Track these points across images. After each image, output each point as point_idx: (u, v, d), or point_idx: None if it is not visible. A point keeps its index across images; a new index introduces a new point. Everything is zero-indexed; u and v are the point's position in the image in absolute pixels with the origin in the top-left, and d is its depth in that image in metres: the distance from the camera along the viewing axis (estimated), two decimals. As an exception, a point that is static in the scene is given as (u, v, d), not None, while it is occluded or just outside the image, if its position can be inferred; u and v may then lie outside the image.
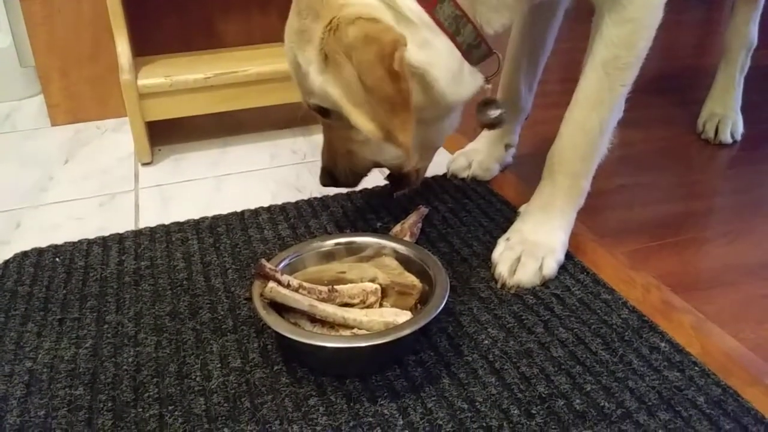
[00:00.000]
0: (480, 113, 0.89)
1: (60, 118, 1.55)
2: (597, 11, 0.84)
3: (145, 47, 1.44)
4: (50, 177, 1.29)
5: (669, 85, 1.71)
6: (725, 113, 1.36)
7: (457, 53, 0.77)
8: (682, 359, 0.74)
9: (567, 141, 0.90)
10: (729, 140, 1.33)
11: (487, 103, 0.88)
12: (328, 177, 0.95)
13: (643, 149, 1.33)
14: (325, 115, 0.85)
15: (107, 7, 1.27)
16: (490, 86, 0.87)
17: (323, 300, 0.75)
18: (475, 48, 0.79)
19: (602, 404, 0.68)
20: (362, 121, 0.74)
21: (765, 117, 1.45)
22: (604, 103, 0.87)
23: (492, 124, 0.89)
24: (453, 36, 0.76)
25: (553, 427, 0.66)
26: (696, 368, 0.73)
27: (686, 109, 1.48)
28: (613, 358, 0.75)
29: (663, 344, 0.76)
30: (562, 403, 0.69)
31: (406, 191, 1.03)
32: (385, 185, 1.08)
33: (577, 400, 0.69)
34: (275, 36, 1.53)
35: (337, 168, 0.93)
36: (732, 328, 0.79)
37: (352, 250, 0.88)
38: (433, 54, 0.75)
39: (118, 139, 1.47)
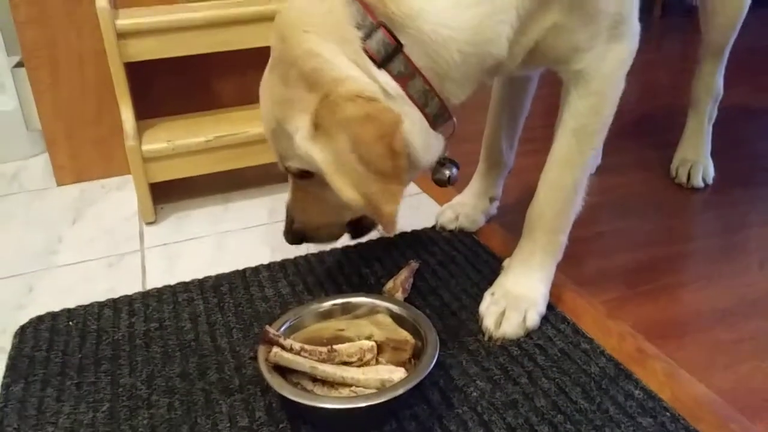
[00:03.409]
0: (436, 171, 0.95)
1: (66, 178, 1.62)
2: (564, 85, 0.92)
3: (145, 109, 1.52)
4: (59, 239, 1.35)
5: (646, 127, 1.80)
6: (696, 159, 1.44)
7: (426, 123, 0.85)
8: (654, 405, 0.80)
9: (544, 200, 0.98)
10: (701, 185, 1.42)
11: (443, 162, 0.95)
12: (296, 236, 1.01)
13: (620, 195, 1.41)
14: (303, 177, 0.90)
15: (110, 73, 1.35)
16: (447, 149, 0.94)
17: (323, 360, 0.82)
18: (439, 117, 0.86)
19: (582, 452, 0.75)
20: (344, 188, 0.80)
21: (734, 159, 1.54)
22: (575, 164, 0.95)
23: (446, 182, 0.96)
24: (422, 108, 0.83)
25: (537, 475, 0.72)
26: (667, 414, 0.79)
27: (662, 151, 1.57)
28: (591, 406, 0.81)
29: (637, 391, 0.83)
30: (545, 452, 0.75)
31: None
32: (377, 239, 1.15)
33: (559, 449, 0.75)
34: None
35: (308, 226, 0.98)
36: (701, 374, 0.86)
37: (347, 310, 0.94)
38: (409, 124, 0.82)
39: (122, 197, 1.54)
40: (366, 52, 0.79)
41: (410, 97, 0.82)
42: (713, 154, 1.46)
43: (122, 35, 1.32)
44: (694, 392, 0.83)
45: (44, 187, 1.62)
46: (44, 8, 1.46)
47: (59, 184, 1.62)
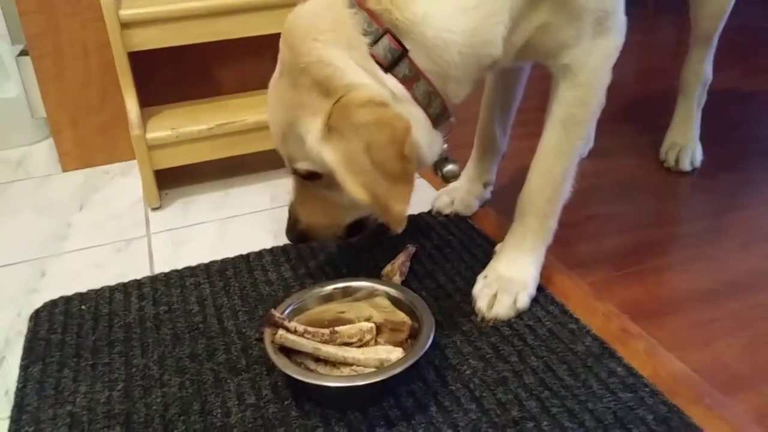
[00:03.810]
0: (437, 168, 1.00)
1: (70, 164, 1.66)
2: (553, 77, 0.96)
3: (147, 96, 1.56)
4: (68, 224, 1.40)
5: (638, 110, 1.84)
6: (685, 143, 1.48)
7: (429, 123, 0.89)
8: (635, 381, 0.86)
9: (534, 187, 1.02)
10: (688, 168, 1.46)
11: (444, 159, 1.00)
12: (299, 235, 1.04)
13: (610, 179, 1.46)
14: (310, 178, 0.95)
15: (112, 61, 1.39)
16: (446, 145, 0.99)
17: (325, 341, 0.87)
18: (441, 116, 0.91)
19: (566, 425, 0.80)
20: (355, 188, 0.85)
21: (723, 143, 1.58)
22: (564, 153, 0.99)
23: (448, 177, 1.01)
24: (426, 108, 0.88)
25: (525, 446, 0.78)
26: (646, 389, 0.85)
27: (654, 135, 1.60)
28: (576, 382, 0.87)
29: (619, 368, 0.88)
30: (532, 425, 0.81)
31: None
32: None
33: (545, 422, 0.81)
34: (270, 80, 1.66)
35: (311, 226, 1.02)
36: (680, 352, 0.91)
37: (348, 293, 1.00)
38: (415, 125, 0.87)
39: (126, 183, 1.59)
40: (373, 57, 0.84)
41: (415, 98, 0.87)
42: (703, 138, 1.50)
43: (126, 25, 1.35)
44: (673, 369, 0.88)
45: (49, 173, 1.66)
46: (47, -2, 1.49)
47: (64, 170, 1.66)
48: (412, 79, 0.86)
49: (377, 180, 0.84)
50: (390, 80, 0.85)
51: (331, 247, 1.21)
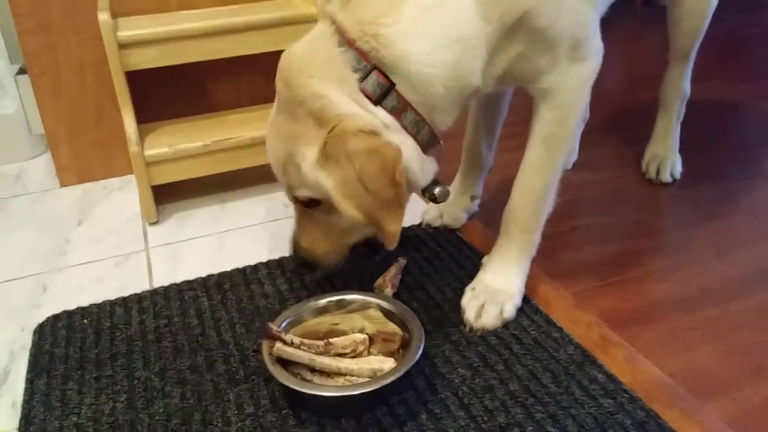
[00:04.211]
0: (427, 190, 1.04)
1: (68, 179, 1.70)
2: (534, 99, 1.01)
3: (144, 113, 1.59)
4: (67, 240, 1.43)
5: (622, 121, 1.89)
6: (665, 155, 1.54)
7: (419, 149, 0.95)
8: (615, 388, 0.91)
9: (518, 203, 1.07)
10: (669, 180, 1.52)
11: (433, 182, 1.04)
12: (303, 263, 1.08)
13: (593, 191, 1.51)
14: (312, 205, 0.99)
15: (109, 78, 1.43)
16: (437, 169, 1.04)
17: (320, 353, 0.91)
18: (430, 142, 0.97)
19: (549, 430, 0.85)
20: (351, 211, 0.90)
21: (703, 154, 1.64)
22: (546, 170, 1.04)
23: (437, 199, 1.05)
24: (415, 136, 0.94)
25: (510, 451, 0.82)
26: (626, 395, 0.90)
27: (636, 146, 1.65)
28: (559, 389, 0.91)
29: (600, 375, 0.93)
30: (518, 431, 0.85)
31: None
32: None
33: (529, 428, 0.85)
34: (262, 97, 1.71)
35: (314, 253, 1.06)
36: (657, 359, 0.96)
37: (342, 305, 1.04)
38: (407, 151, 0.92)
39: (124, 198, 1.62)
40: (363, 92, 0.90)
41: (404, 127, 0.93)
42: (684, 150, 1.56)
43: (123, 46, 1.39)
44: (651, 375, 0.93)
45: (47, 188, 1.69)
46: (46, 18, 1.52)
47: (62, 185, 1.70)
48: (400, 110, 0.91)
49: (371, 203, 0.89)
50: (380, 112, 0.91)
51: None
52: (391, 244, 0.93)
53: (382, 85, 0.89)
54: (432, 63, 0.88)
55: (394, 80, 0.90)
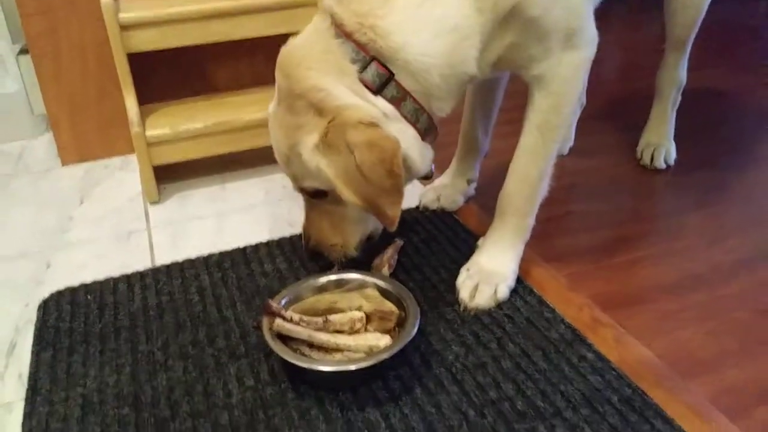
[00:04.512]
0: None
1: (70, 158, 1.72)
2: (529, 86, 1.03)
3: (145, 95, 1.60)
4: (69, 218, 1.46)
5: (618, 109, 1.91)
6: (660, 142, 1.56)
7: (419, 137, 0.97)
8: (603, 366, 0.94)
9: (513, 188, 1.10)
10: (663, 166, 1.54)
11: None
12: (313, 253, 1.11)
13: (588, 177, 1.53)
14: (319, 196, 1.02)
15: (110, 60, 1.45)
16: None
17: (319, 329, 0.94)
18: (428, 130, 0.99)
19: (539, 405, 0.88)
20: (352, 197, 0.93)
21: (699, 142, 1.66)
22: (540, 156, 1.07)
23: (426, 177, 1.10)
24: (414, 124, 0.96)
25: (501, 424, 0.85)
26: (613, 373, 0.93)
27: (631, 133, 1.67)
28: (549, 366, 0.94)
29: (589, 354, 0.96)
30: (508, 405, 0.88)
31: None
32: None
33: (520, 403, 0.89)
34: (263, 79, 1.73)
35: (324, 244, 1.08)
36: (646, 339, 0.99)
37: (340, 284, 1.07)
38: (406, 140, 0.95)
39: (125, 177, 1.64)
40: (362, 82, 0.92)
41: (404, 116, 0.95)
42: (680, 137, 1.58)
43: (125, 27, 1.41)
44: (639, 355, 0.96)
45: (49, 167, 1.71)
46: (48, 0, 1.53)
47: (64, 163, 1.72)
48: (400, 99, 0.94)
49: (371, 191, 0.92)
50: (380, 101, 0.93)
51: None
52: (392, 227, 0.96)
53: (382, 75, 0.92)
54: (428, 53, 0.91)
55: (393, 70, 0.92)
